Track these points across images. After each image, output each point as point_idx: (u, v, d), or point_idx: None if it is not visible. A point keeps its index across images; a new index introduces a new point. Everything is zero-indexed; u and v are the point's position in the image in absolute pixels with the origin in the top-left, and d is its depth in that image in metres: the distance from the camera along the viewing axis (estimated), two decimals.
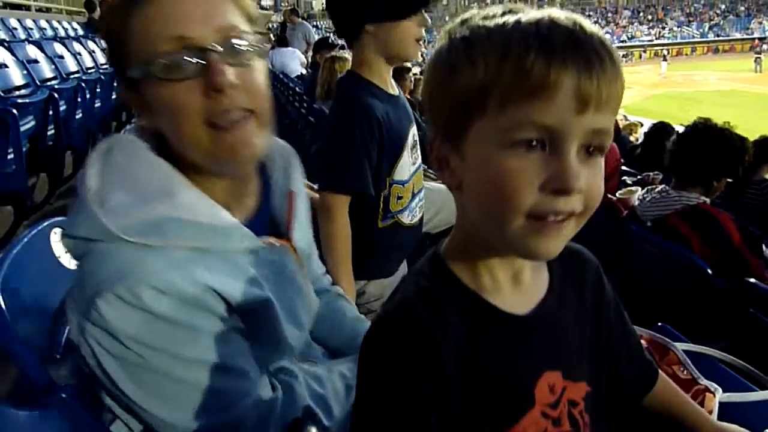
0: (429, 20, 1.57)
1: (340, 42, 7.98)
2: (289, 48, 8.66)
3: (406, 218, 1.72)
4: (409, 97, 7.26)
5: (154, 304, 0.78)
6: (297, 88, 6.43)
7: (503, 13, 0.59)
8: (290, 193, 1.02)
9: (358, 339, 0.95)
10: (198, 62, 0.80)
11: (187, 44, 0.80)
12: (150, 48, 0.79)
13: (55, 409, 0.85)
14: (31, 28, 7.57)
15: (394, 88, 1.69)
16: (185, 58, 0.79)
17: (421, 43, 1.59)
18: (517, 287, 0.69)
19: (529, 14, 0.58)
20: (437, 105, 0.63)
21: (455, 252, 0.68)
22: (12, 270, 1.00)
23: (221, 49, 0.81)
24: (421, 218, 1.81)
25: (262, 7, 18.97)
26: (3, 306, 0.93)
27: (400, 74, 5.21)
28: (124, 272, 0.78)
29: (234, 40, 0.82)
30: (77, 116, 4.32)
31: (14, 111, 2.89)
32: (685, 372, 1.47)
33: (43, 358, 0.96)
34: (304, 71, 8.03)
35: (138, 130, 0.92)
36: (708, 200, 2.33)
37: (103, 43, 0.87)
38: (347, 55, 5.28)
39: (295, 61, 8.35)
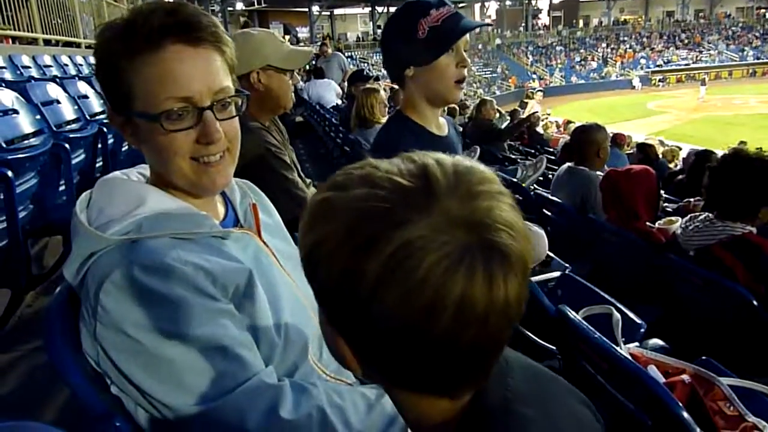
0: (467, 60, 1.60)
1: (374, 74, 8.10)
2: (325, 79, 8.86)
3: None
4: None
5: (146, 281, 0.88)
6: (333, 119, 6.55)
7: None
8: (253, 205, 1.17)
9: None
10: (194, 117, 0.97)
11: (190, 103, 0.96)
12: (157, 101, 0.95)
13: None
14: (81, 65, 7.92)
15: (440, 128, 1.72)
16: (185, 114, 0.96)
17: (463, 83, 1.63)
18: None
19: None
20: None
21: None
22: (67, 299, 1.05)
23: (214, 107, 0.98)
24: None
25: (298, 41, 19.42)
26: (62, 335, 0.98)
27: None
28: (116, 262, 0.90)
29: (225, 99, 1.01)
30: (123, 148, 4.49)
31: (66, 146, 3.02)
32: (731, 408, 1.43)
33: (95, 386, 1.00)
34: (339, 102, 8.20)
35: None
36: (754, 230, 2.27)
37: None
38: (380, 86, 5.37)
39: (331, 92, 8.53)
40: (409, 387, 0.59)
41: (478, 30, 48.96)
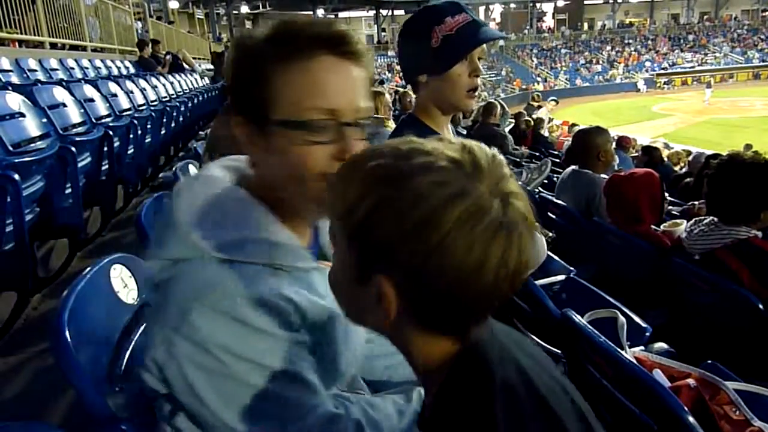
0: (481, 69, 1.61)
1: (379, 77, 8.10)
2: None
3: None
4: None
5: (245, 312, 0.86)
6: None
7: None
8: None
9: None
10: (335, 132, 0.93)
11: (335, 116, 0.92)
12: (301, 110, 0.91)
13: None
14: (87, 68, 7.96)
15: (449, 134, 1.74)
16: (327, 127, 0.92)
17: (476, 92, 1.64)
18: None
19: None
20: None
21: None
22: (76, 304, 1.06)
23: (357, 125, 0.94)
24: None
25: None
26: (69, 338, 0.98)
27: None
28: (214, 284, 0.86)
29: (365, 119, 0.96)
30: (129, 152, 4.52)
31: (73, 149, 3.04)
32: (737, 412, 1.42)
33: (102, 389, 1.01)
34: None
35: (224, 166, 1.06)
36: (759, 233, 2.26)
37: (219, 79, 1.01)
38: (385, 89, 5.37)
39: None
40: (432, 327, 0.68)
41: None
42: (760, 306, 2.04)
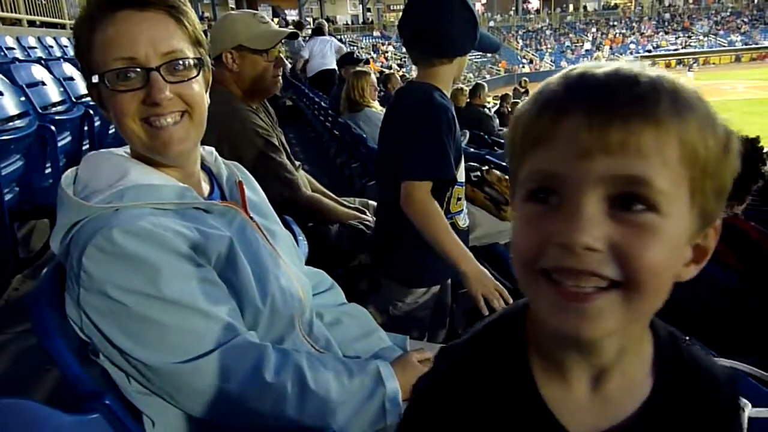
0: None
1: (364, 57, 8.08)
2: (325, 36, 9.08)
3: (461, 221, 1.81)
4: None
5: (126, 244, 0.91)
6: (323, 103, 6.51)
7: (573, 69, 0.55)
8: (239, 182, 1.19)
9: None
10: (141, 78, 0.99)
11: (134, 63, 0.98)
12: (105, 62, 0.98)
13: (99, 414, 0.89)
14: (66, 46, 7.80)
15: None
16: (130, 74, 0.98)
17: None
18: (595, 395, 0.56)
19: (581, 68, 0.54)
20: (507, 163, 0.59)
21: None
22: (56, 283, 1.05)
23: (162, 69, 0.99)
24: (468, 225, 1.89)
25: (287, 23, 19.25)
26: (50, 317, 0.97)
27: None
28: (98, 227, 0.92)
29: (175, 61, 1.01)
30: (110, 131, 4.45)
31: (52, 128, 2.99)
32: None
33: (84, 363, 1.00)
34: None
35: None
36: (739, 212, 2.30)
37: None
38: (370, 69, 5.33)
39: (331, 48, 8.72)
40: None
41: None
42: (740, 286, 2.08)
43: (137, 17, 0.99)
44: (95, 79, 0.99)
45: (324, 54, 8.59)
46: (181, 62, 1.02)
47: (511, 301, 1.44)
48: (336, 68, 8.20)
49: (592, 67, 0.52)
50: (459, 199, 1.75)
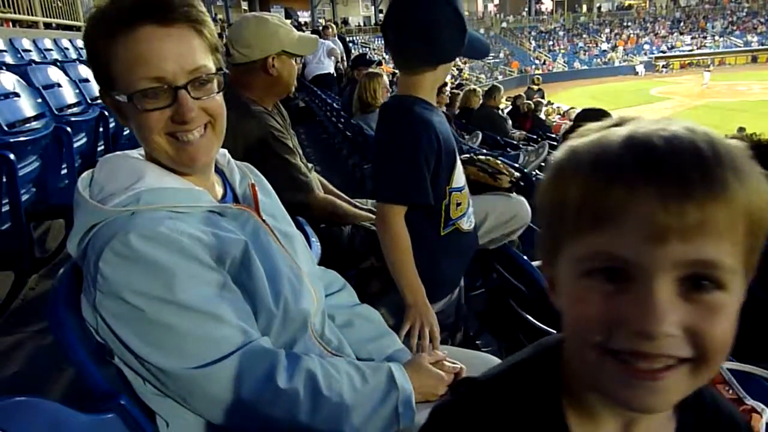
0: None
1: (377, 59, 8.10)
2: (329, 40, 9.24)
3: (465, 224, 1.77)
4: (445, 111, 7.31)
5: (143, 249, 0.91)
6: (334, 104, 6.53)
7: (609, 126, 0.53)
8: (252, 185, 1.19)
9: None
10: (169, 96, 0.99)
11: (162, 82, 0.98)
12: (132, 82, 0.98)
13: (114, 414, 0.90)
14: (82, 48, 7.87)
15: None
16: (159, 93, 0.99)
17: None
18: None
19: (627, 128, 0.51)
20: (540, 219, 0.57)
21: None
22: (73, 283, 1.06)
23: (189, 86, 0.99)
24: (476, 224, 1.86)
25: (300, 25, 19.32)
26: (67, 316, 0.98)
27: (439, 89, 5.27)
28: (115, 231, 0.93)
29: (201, 77, 1.01)
30: (125, 132, 4.49)
31: (68, 129, 3.02)
32: (730, 391, 1.44)
33: (100, 365, 1.01)
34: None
35: None
36: None
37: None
38: (382, 71, 5.34)
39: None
40: None
41: (481, 15, 48.57)
42: (754, 287, 2.06)
43: (161, 33, 0.98)
44: (122, 98, 0.99)
45: (319, 58, 8.73)
46: (205, 77, 1.02)
47: (438, 344, 1.44)
48: (332, 72, 8.31)
49: (650, 132, 0.49)
50: (459, 204, 1.72)
